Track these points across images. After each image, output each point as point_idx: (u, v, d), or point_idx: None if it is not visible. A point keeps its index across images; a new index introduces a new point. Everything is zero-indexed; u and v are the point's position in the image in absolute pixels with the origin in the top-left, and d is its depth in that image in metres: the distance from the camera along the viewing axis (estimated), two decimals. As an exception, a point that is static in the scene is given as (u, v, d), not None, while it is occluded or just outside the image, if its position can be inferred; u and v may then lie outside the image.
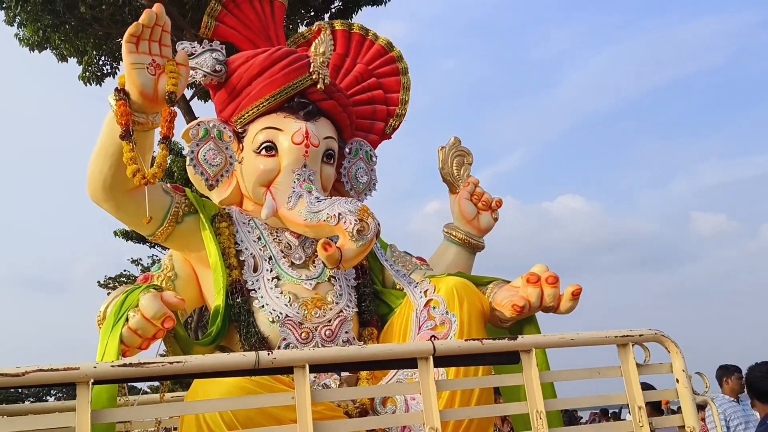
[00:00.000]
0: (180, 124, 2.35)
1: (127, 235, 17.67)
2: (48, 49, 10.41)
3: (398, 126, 2.90)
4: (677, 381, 1.91)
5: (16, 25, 10.26)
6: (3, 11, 9.88)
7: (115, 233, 17.82)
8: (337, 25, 2.98)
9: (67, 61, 10.84)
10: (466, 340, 1.81)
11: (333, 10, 11.10)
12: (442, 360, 1.73)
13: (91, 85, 10.68)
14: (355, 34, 2.97)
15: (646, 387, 1.95)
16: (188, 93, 12.31)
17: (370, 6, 11.36)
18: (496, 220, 2.78)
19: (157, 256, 19.85)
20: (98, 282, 20.12)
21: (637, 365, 1.88)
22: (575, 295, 2.08)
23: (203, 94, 12.18)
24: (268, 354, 1.54)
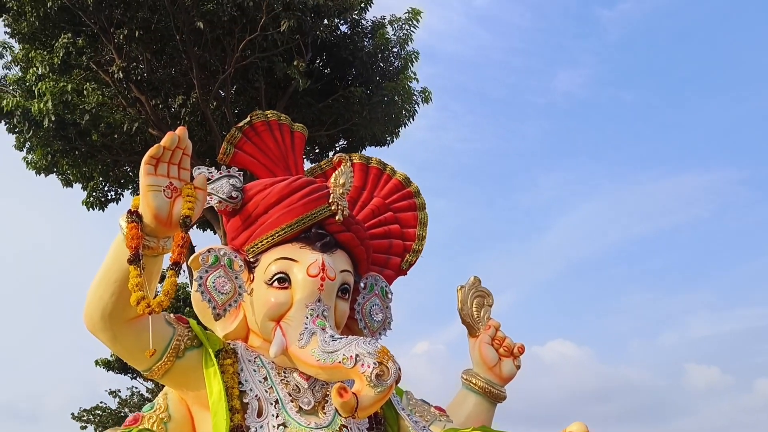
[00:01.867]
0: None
1: (109, 365, 17.04)
2: (54, 174, 10.54)
3: (415, 262, 2.77)
4: None
5: (25, 150, 10.48)
6: (14, 135, 10.10)
7: (96, 363, 17.21)
8: (356, 158, 2.93)
9: (72, 186, 10.97)
10: None
11: (338, 148, 11.42)
12: None
13: (94, 210, 10.73)
14: (373, 168, 2.92)
15: None
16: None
17: (372, 146, 11.72)
18: (518, 367, 2.60)
19: (136, 388, 19.03)
20: (72, 414, 19.13)
21: None
22: None
23: (202, 223, 12.23)
24: None
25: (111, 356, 16.37)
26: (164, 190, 1.91)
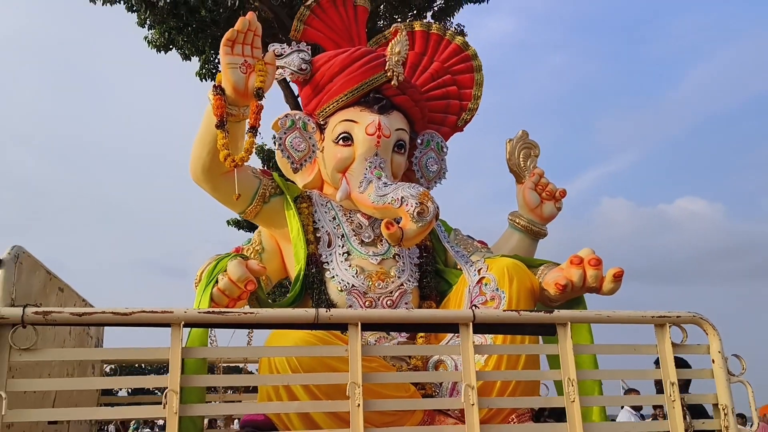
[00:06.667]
0: (274, 115, 2.72)
1: (238, 224, 18.64)
2: (173, 50, 11.30)
3: (470, 119, 3.10)
4: (713, 361, 1.97)
5: (146, 27, 11.23)
6: (135, 14, 10.85)
7: (228, 222, 18.83)
8: (417, 26, 3.21)
9: (190, 60, 11.71)
10: (504, 311, 2.00)
11: (435, 9, 11.26)
12: (482, 327, 1.92)
13: (206, 80, 11.47)
14: (433, 35, 3.19)
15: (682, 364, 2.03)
16: (296, 89, 12.91)
17: (471, 3, 11.43)
18: (559, 209, 2.92)
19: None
20: (213, 267, 21.23)
21: (674, 345, 1.95)
22: (617, 277, 2.21)
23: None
24: (326, 311, 1.80)
25: (239, 216, 17.86)
26: (240, 67, 2.34)
